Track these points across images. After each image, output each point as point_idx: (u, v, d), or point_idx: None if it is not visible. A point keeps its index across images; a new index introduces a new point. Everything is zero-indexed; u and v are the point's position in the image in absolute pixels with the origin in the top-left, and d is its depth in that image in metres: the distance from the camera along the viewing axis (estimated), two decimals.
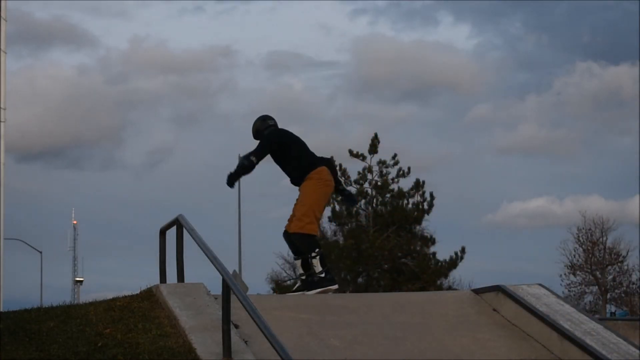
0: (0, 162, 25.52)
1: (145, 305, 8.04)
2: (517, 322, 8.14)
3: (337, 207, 41.07)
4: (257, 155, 9.85)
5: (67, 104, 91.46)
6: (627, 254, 46.84)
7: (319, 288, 9.52)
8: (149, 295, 8.29)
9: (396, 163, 41.17)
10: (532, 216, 71.81)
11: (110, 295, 8.71)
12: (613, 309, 46.77)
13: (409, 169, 41.24)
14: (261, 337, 6.25)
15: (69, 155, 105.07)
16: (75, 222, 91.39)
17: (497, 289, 8.57)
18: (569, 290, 46.81)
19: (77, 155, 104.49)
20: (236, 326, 7.38)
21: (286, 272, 43.61)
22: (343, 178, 41.64)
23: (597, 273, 46.87)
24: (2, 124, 25.59)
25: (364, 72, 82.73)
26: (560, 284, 46.81)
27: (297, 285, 9.95)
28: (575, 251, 47.33)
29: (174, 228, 8.74)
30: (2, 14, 25.61)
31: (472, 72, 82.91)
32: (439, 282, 38.98)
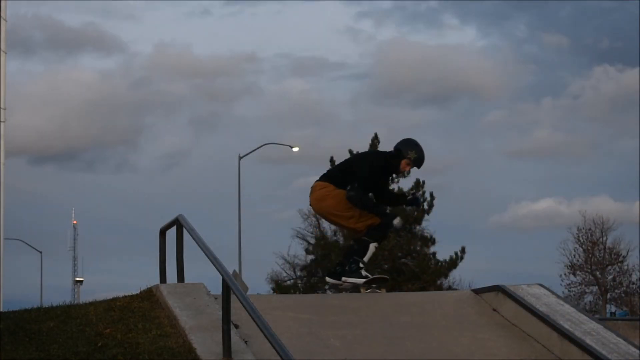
0: (0, 162, 25.51)
1: (145, 305, 8.04)
2: (517, 322, 8.14)
3: None
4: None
5: (88, 108, 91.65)
6: (627, 254, 46.85)
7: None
8: (149, 295, 8.29)
9: None
10: (539, 217, 71.85)
11: (110, 295, 8.71)
12: (613, 309, 46.78)
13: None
14: (261, 337, 6.25)
15: (83, 158, 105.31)
16: (75, 222, 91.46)
17: (497, 289, 8.57)
18: (569, 290, 46.82)
19: (92, 158, 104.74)
20: (236, 326, 7.38)
21: (286, 272, 43.59)
22: None
23: (597, 273, 46.86)
24: (2, 124, 25.59)
25: (386, 77, 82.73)
26: (560, 284, 46.83)
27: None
28: (575, 251, 47.36)
29: (174, 228, 8.74)
30: (2, 14, 25.61)
31: (488, 75, 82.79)
32: (439, 282, 38.97)
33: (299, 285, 41.79)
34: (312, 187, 9.55)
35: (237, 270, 30.60)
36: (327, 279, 9.67)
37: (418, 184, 40.69)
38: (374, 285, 9.38)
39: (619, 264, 47.12)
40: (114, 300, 8.37)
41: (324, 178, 9.60)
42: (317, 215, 10.61)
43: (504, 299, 8.43)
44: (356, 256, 9.37)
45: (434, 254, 40.14)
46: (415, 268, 38.73)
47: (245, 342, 7.11)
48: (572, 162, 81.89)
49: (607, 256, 47.17)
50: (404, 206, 9.94)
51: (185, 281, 8.63)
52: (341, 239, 40.71)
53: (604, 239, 47.27)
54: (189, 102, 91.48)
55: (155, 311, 7.87)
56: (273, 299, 9.38)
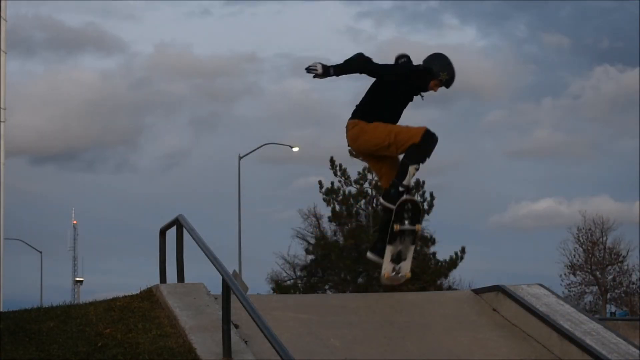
0: (0, 162, 25.52)
1: (145, 305, 8.03)
2: (517, 322, 8.14)
3: (337, 207, 41.09)
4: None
5: (88, 108, 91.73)
6: (627, 254, 46.90)
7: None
8: (149, 295, 8.29)
9: None
10: (539, 217, 71.89)
11: (110, 295, 8.71)
12: (613, 309, 46.81)
13: None
14: (261, 337, 6.25)
15: (83, 158, 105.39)
16: (75, 222, 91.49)
17: (497, 289, 8.57)
18: (569, 290, 46.86)
19: (92, 158, 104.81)
20: (236, 326, 7.38)
21: (286, 272, 43.61)
22: (343, 178, 41.70)
23: (597, 273, 46.89)
24: (2, 124, 25.59)
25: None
26: (561, 284, 46.88)
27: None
28: (575, 251, 47.40)
29: (174, 228, 8.73)
30: (2, 14, 25.61)
31: (488, 76, 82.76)
32: (439, 282, 38.99)
33: (299, 285, 41.80)
34: (346, 126, 8.83)
35: (237, 270, 30.61)
36: (369, 254, 8.96)
37: (418, 184, 40.69)
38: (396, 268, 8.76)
39: (619, 264, 47.17)
40: (114, 300, 8.37)
41: (353, 114, 8.83)
42: (358, 155, 9.69)
43: (504, 299, 8.43)
44: (396, 179, 8.69)
45: (434, 254, 40.17)
46: (415, 268, 38.69)
47: (245, 342, 7.11)
48: (572, 162, 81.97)
49: (607, 256, 47.21)
50: None
51: (185, 281, 8.63)
52: (341, 239, 40.72)
53: (604, 239, 47.33)
54: (189, 102, 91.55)
55: (155, 311, 7.87)
56: (273, 299, 9.38)
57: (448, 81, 8.70)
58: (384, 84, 8.66)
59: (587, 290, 47.46)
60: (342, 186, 41.54)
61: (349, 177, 41.50)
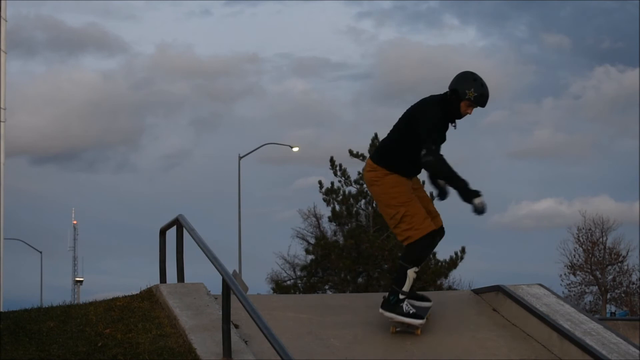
0: (0, 162, 25.53)
1: (145, 305, 8.04)
2: (517, 322, 8.14)
3: (337, 207, 41.10)
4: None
5: (89, 108, 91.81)
6: (627, 254, 46.89)
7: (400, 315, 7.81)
8: (149, 295, 8.29)
9: None
10: (539, 217, 71.90)
11: (110, 295, 8.72)
12: (613, 309, 46.80)
13: None
14: (261, 337, 6.25)
15: (84, 158, 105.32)
16: (75, 222, 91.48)
17: (497, 289, 8.57)
18: (569, 290, 46.86)
19: (93, 158, 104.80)
20: (236, 326, 7.38)
21: (286, 272, 43.60)
22: (343, 178, 41.71)
23: (597, 273, 46.88)
24: (2, 124, 25.60)
25: (387, 78, 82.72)
26: (560, 284, 46.89)
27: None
28: (575, 251, 47.40)
29: (174, 228, 8.74)
30: (2, 14, 25.61)
31: (489, 76, 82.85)
32: (438, 282, 38.99)
33: (299, 285, 41.79)
34: (366, 163, 7.97)
35: (237, 270, 30.60)
36: (381, 310, 7.87)
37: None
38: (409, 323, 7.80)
39: (619, 264, 47.16)
40: (114, 300, 8.37)
41: (375, 154, 7.87)
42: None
43: (504, 299, 8.43)
44: (395, 285, 7.79)
45: (434, 254, 40.15)
46: None
47: (245, 342, 7.12)
48: (572, 162, 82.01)
49: (607, 256, 47.21)
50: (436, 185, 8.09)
51: (185, 281, 8.63)
52: (341, 239, 40.71)
53: (604, 239, 47.33)
54: (190, 102, 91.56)
55: (155, 311, 7.87)
56: (273, 299, 9.38)
57: (478, 98, 7.62)
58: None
59: (587, 290, 47.47)
60: (342, 186, 41.54)
61: (349, 177, 41.50)
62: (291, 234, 43.53)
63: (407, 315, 7.73)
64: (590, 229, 47.28)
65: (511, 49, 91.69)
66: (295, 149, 43.82)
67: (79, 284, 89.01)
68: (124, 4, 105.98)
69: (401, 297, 7.74)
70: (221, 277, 6.90)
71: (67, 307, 8.42)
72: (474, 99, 7.65)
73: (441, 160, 7.48)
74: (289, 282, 42.61)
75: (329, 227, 42.51)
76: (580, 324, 7.89)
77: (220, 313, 6.93)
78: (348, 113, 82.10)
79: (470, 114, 7.74)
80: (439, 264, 39.62)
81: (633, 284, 47.06)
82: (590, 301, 47.27)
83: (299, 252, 43.83)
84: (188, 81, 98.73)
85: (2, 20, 25.68)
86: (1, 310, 16.65)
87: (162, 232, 9.05)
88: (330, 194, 41.41)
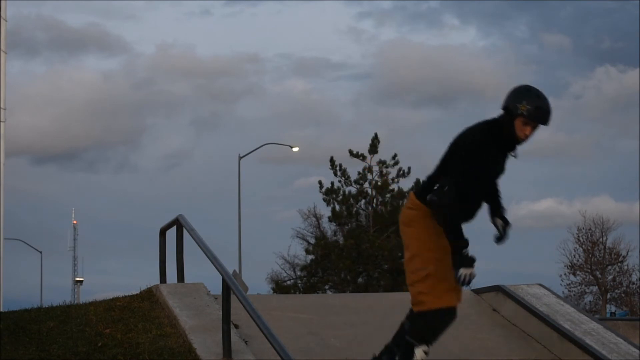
0: (0, 162, 25.53)
1: (145, 305, 8.04)
2: (517, 322, 8.14)
3: (337, 207, 41.11)
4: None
5: (89, 108, 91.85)
6: (627, 254, 46.90)
7: None
8: (149, 295, 8.29)
9: (396, 163, 41.20)
10: (539, 217, 71.88)
11: (110, 295, 8.72)
12: (613, 309, 46.81)
13: (409, 169, 41.32)
14: (261, 337, 6.25)
15: (84, 158, 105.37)
16: (75, 222, 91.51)
17: (497, 289, 8.57)
18: (569, 290, 46.87)
19: (93, 158, 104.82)
20: (236, 326, 7.38)
21: (286, 272, 43.63)
22: (343, 178, 41.73)
23: (597, 273, 46.89)
24: (2, 124, 25.61)
25: (388, 78, 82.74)
26: (561, 284, 46.89)
27: None
28: (575, 251, 47.40)
29: (174, 228, 8.74)
30: (2, 14, 25.62)
31: (489, 76, 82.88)
32: None
33: (299, 285, 41.82)
34: (408, 197, 6.54)
35: (237, 270, 30.60)
36: None
37: (418, 184, 40.70)
38: None
39: (619, 264, 47.17)
40: (114, 300, 8.37)
41: (419, 192, 6.32)
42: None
43: (504, 299, 8.43)
44: (394, 347, 6.53)
45: None
46: None
47: (245, 342, 7.11)
48: (573, 162, 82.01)
49: (607, 256, 47.21)
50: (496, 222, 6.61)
51: (185, 281, 8.63)
52: (341, 239, 40.73)
53: (604, 239, 47.33)
54: (191, 102, 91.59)
55: (155, 311, 7.87)
56: (273, 299, 9.38)
57: (533, 111, 6.03)
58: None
59: (587, 290, 47.48)
60: (342, 186, 41.57)
61: (349, 177, 41.53)
62: (291, 234, 43.60)
63: None
64: (590, 229, 47.31)
65: (511, 49, 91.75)
66: (295, 149, 43.83)
67: (79, 284, 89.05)
68: (125, 4, 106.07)
69: None
70: (221, 277, 6.90)
71: (67, 307, 8.43)
72: (528, 114, 6.04)
73: (449, 207, 6.05)
74: (289, 282, 42.63)
75: (329, 227, 42.58)
76: (580, 324, 7.89)
77: (220, 313, 6.93)
78: (348, 113, 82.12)
79: (529, 135, 6.17)
80: None
81: (633, 284, 47.08)
82: (590, 301, 47.29)
83: (299, 252, 43.92)
84: (188, 81, 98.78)
85: (2, 20, 25.68)
86: (1, 310, 16.66)
87: (162, 232, 9.05)
88: (330, 194, 41.44)
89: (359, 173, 41.24)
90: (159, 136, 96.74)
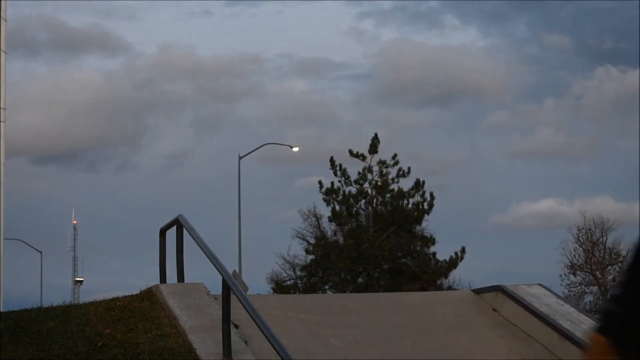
0: (0, 162, 25.53)
1: (145, 305, 8.04)
2: (517, 322, 8.14)
3: (337, 207, 41.12)
4: None
5: (90, 109, 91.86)
6: (627, 254, 46.87)
7: None
8: (149, 295, 8.29)
9: (396, 163, 41.20)
10: (539, 217, 71.87)
11: (110, 295, 8.72)
12: None
13: (409, 169, 41.27)
14: (261, 337, 6.25)
15: (85, 158, 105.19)
16: (75, 222, 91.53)
17: (497, 289, 8.57)
18: (569, 290, 46.84)
19: (94, 158, 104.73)
20: (236, 326, 7.38)
21: (286, 272, 43.61)
22: (343, 178, 41.75)
23: (597, 273, 46.89)
24: (2, 124, 25.61)
25: (389, 78, 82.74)
26: (560, 284, 46.86)
27: None
28: (575, 251, 47.40)
29: (174, 228, 8.74)
30: (2, 14, 25.62)
31: (490, 76, 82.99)
32: (439, 282, 39.00)
33: (299, 285, 41.81)
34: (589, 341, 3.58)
35: (237, 270, 30.62)
36: None
37: (418, 184, 40.75)
38: None
39: (619, 264, 47.16)
40: (114, 300, 8.37)
41: (604, 327, 3.41)
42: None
43: (504, 299, 8.43)
44: None
45: (434, 254, 40.17)
46: (415, 268, 38.75)
47: (245, 342, 7.11)
48: (574, 162, 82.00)
49: (607, 256, 47.21)
50: None
51: (185, 281, 8.63)
52: (341, 239, 40.74)
53: (604, 239, 47.33)
54: (192, 102, 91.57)
55: (155, 311, 7.87)
56: (273, 299, 9.38)
57: None
58: None
59: (587, 290, 47.46)
60: (342, 186, 41.55)
61: (349, 177, 41.50)
62: (291, 234, 43.57)
63: None
64: (590, 229, 47.33)
65: (512, 49, 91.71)
66: (295, 149, 43.81)
67: (79, 284, 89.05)
68: (125, 4, 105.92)
69: None
70: (221, 277, 6.90)
71: (67, 307, 8.43)
72: None
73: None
74: (289, 282, 42.61)
75: (329, 227, 42.53)
76: (580, 324, 7.89)
77: (220, 313, 6.93)
78: (349, 113, 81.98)
79: None
80: (439, 264, 39.61)
81: None
82: (590, 301, 47.26)
83: (299, 252, 43.78)
84: (189, 81, 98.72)
85: (2, 20, 25.69)
86: (1, 310, 16.65)
87: (162, 232, 9.05)
88: (330, 194, 41.43)
89: (359, 173, 41.21)
90: (159, 136, 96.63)
